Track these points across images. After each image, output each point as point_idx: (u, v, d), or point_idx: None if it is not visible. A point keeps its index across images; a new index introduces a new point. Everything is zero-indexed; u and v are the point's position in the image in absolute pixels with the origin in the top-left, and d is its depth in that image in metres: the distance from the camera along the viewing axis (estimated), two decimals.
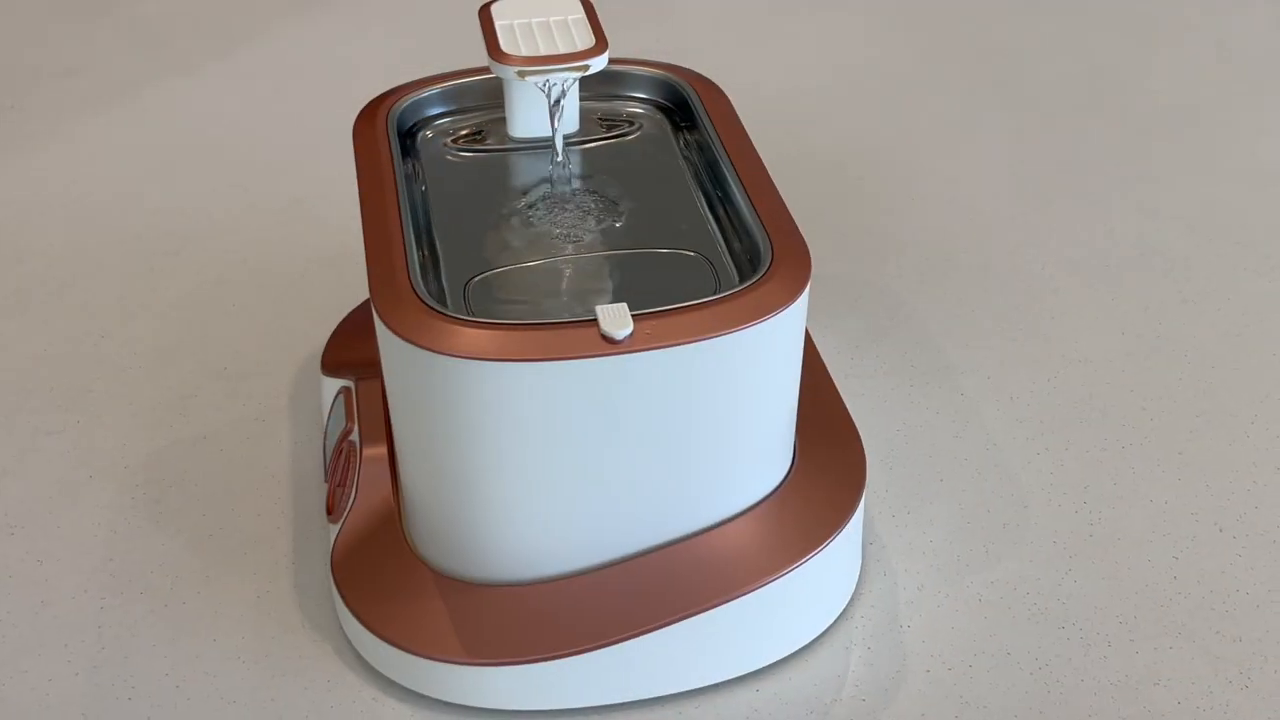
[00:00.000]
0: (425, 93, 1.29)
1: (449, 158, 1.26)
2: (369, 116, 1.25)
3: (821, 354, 1.49)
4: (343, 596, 1.16)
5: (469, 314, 1.06)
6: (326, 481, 1.29)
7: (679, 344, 1.00)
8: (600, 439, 1.03)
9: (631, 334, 0.99)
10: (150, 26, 2.28)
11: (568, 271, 1.13)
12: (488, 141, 1.28)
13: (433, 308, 1.01)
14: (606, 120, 1.31)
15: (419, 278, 1.05)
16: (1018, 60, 2.14)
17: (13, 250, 1.71)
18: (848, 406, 1.41)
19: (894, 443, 1.38)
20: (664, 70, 1.33)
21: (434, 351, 0.99)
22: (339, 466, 1.27)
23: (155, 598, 1.23)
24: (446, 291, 1.09)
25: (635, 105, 1.33)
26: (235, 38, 2.23)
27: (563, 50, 1.15)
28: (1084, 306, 1.58)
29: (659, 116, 1.32)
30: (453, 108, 1.31)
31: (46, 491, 1.34)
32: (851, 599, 1.21)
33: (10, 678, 1.15)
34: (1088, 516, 1.30)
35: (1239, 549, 1.26)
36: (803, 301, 1.05)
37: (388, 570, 1.16)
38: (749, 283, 1.04)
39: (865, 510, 1.30)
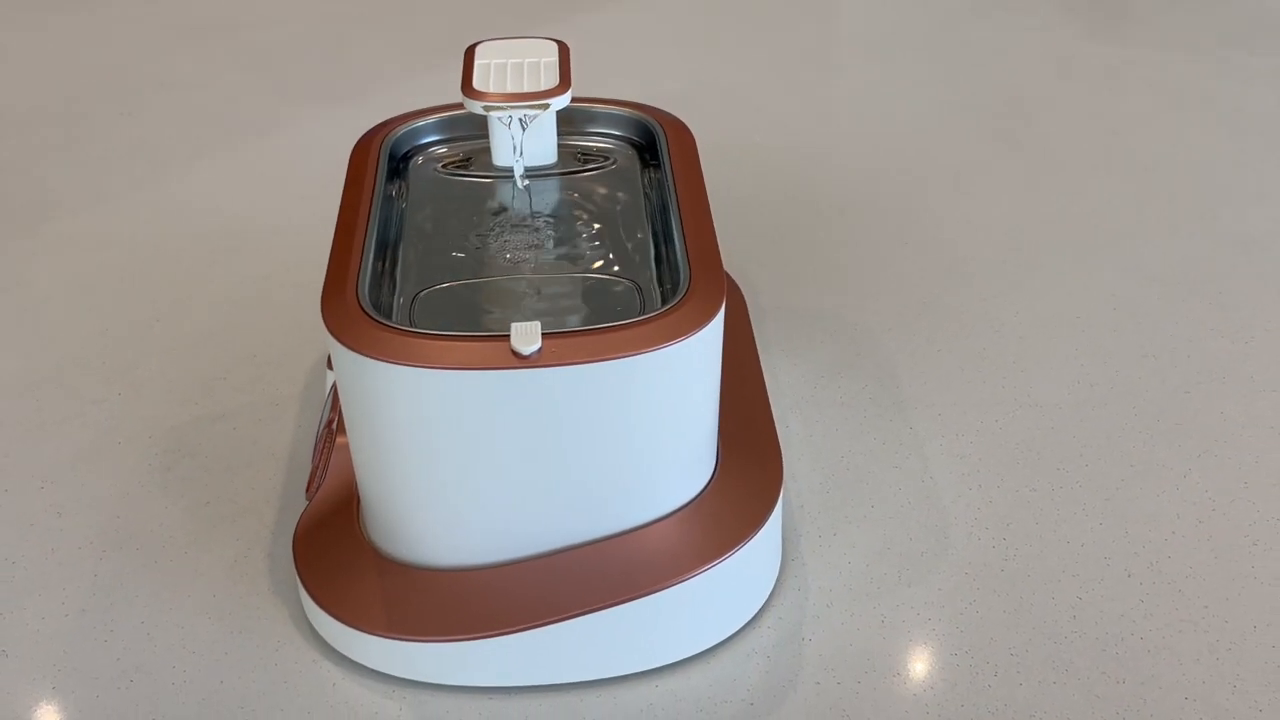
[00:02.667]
0: (421, 122, 1.32)
1: (434, 182, 1.29)
2: (365, 142, 1.28)
3: (789, 382, 1.48)
4: (297, 568, 1.19)
5: (411, 323, 1.09)
6: (311, 463, 1.33)
7: (582, 363, 1.00)
8: (511, 444, 1.04)
9: (539, 350, 1.00)
10: (260, 51, 2.37)
11: (508, 290, 1.15)
12: (472, 168, 1.31)
13: (368, 314, 1.03)
14: (584, 155, 1.33)
15: (366, 287, 1.07)
16: (1036, 116, 2.09)
17: (100, 238, 1.79)
18: (802, 433, 1.41)
19: (836, 469, 1.37)
20: (639, 111, 1.33)
21: (362, 354, 1.01)
22: (320, 450, 1.31)
23: (147, 554, 1.27)
24: (396, 301, 1.12)
25: (613, 142, 1.34)
26: (331, 68, 2.30)
27: (527, 89, 1.17)
28: (1046, 355, 1.53)
29: (632, 153, 1.33)
30: (448, 136, 1.34)
31: (79, 453, 1.40)
32: (762, 609, 1.20)
33: (11, 612, 1.21)
34: (1003, 552, 1.26)
35: (1142, 595, 1.21)
36: (709, 332, 1.05)
37: (338, 547, 1.19)
38: (657, 311, 1.04)
39: (793, 529, 1.29)
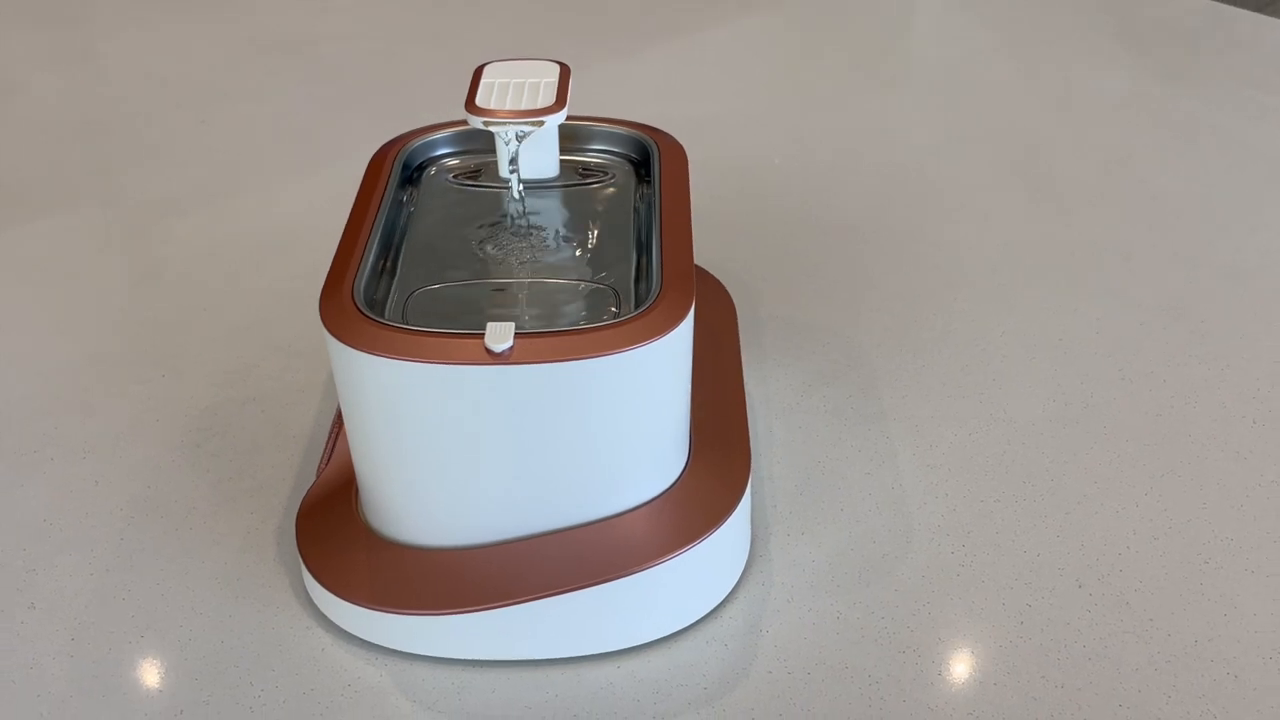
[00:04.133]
0: (437, 135, 1.35)
1: (444, 190, 1.31)
2: (382, 152, 1.31)
3: (777, 389, 1.49)
4: (297, 540, 1.22)
5: (403, 320, 1.11)
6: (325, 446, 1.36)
7: (550, 362, 1.02)
8: (484, 435, 1.06)
9: (511, 349, 1.02)
10: (329, 67, 2.42)
11: (497, 292, 1.16)
12: (481, 179, 1.33)
13: (359, 310, 1.06)
14: (585, 170, 1.34)
15: (362, 284, 1.10)
16: (1044, 147, 2.06)
17: (163, 233, 1.85)
18: (785, 437, 1.41)
19: (811, 473, 1.37)
20: (638, 130, 1.35)
21: (349, 346, 1.04)
22: (332, 435, 1.34)
23: (170, 522, 1.31)
24: (391, 298, 1.14)
25: (614, 158, 1.36)
26: (394, 86, 2.35)
27: (525, 107, 1.19)
28: (1025, 374, 1.52)
29: (629, 169, 1.34)
30: (462, 148, 1.36)
31: (120, 428, 1.45)
32: (726, 600, 1.21)
33: (46, 567, 1.26)
34: (961, 558, 1.25)
35: (1090, 605, 1.20)
36: (674, 338, 1.05)
37: (335, 524, 1.22)
38: (624, 317, 1.05)
39: (764, 526, 1.29)
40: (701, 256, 1.70)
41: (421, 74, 2.39)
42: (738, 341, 1.40)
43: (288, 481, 1.37)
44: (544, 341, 1.03)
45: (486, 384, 1.03)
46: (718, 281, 1.50)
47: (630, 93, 2.27)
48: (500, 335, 1.02)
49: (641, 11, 2.65)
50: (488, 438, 1.06)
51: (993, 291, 1.68)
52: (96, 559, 1.27)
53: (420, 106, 2.25)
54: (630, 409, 1.08)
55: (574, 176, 1.33)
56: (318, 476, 1.29)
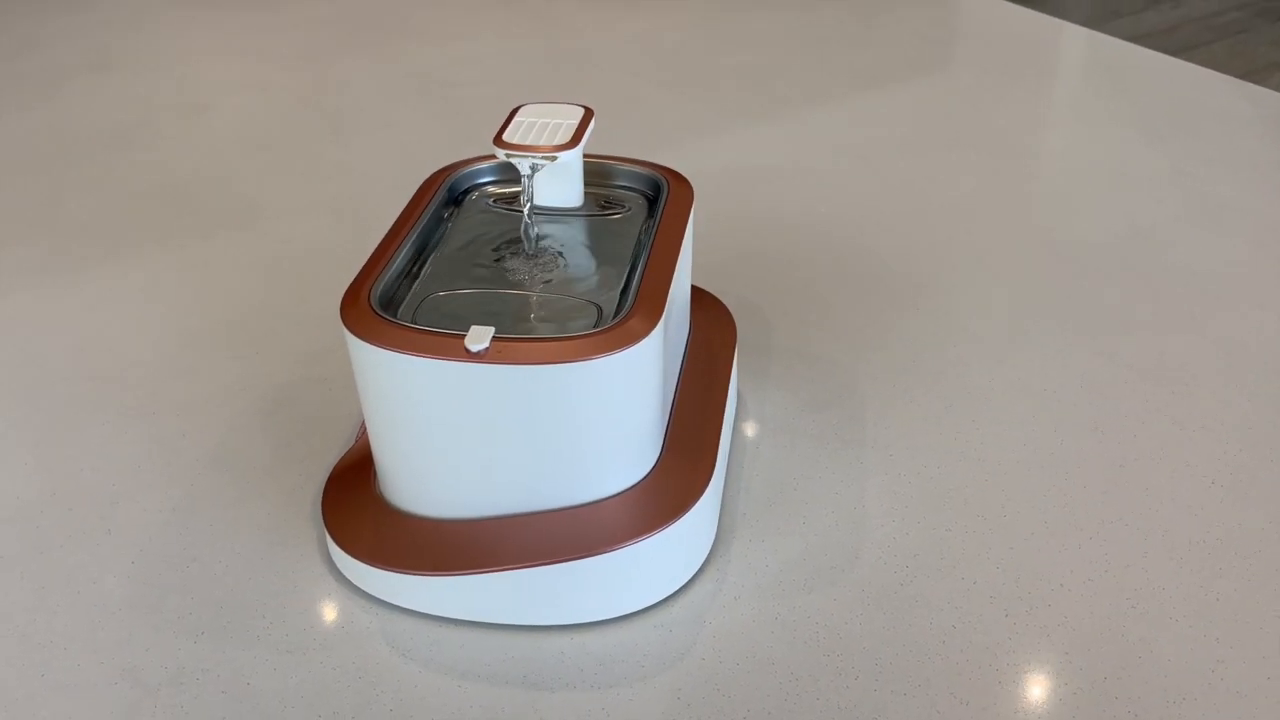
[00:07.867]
0: (482, 165, 1.39)
1: (479, 211, 1.35)
2: (432, 178, 1.36)
3: (773, 411, 1.48)
4: (322, 501, 1.27)
5: (412, 320, 1.15)
6: None
7: (520, 364, 1.05)
8: (463, 423, 1.09)
9: (486, 349, 1.05)
10: (461, 105, 2.51)
11: (498, 303, 1.20)
12: (514, 204, 1.37)
13: (371, 307, 1.11)
14: (607, 201, 1.36)
15: (381, 286, 1.15)
16: (1074, 213, 1.99)
17: (283, 236, 1.95)
18: (769, 455, 1.41)
19: (784, 486, 1.35)
20: (651, 168, 1.36)
21: (355, 336, 1.09)
22: None
23: (232, 475, 1.39)
24: (406, 300, 1.18)
25: (632, 193, 1.38)
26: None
27: (543, 143, 1.22)
28: (1004, 418, 1.47)
29: (643, 202, 1.36)
30: (504, 177, 1.40)
31: (212, 395, 1.54)
32: (678, 592, 1.21)
33: (127, 501, 1.35)
34: (901, 577, 1.22)
35: (1012, 633, 1.15)
36: (633, 353, 1.07)
37: (354, 489, 1.27)
38: (588, 331, 1.07)
39: (731, 531, 1.29)
40: (729, 288, 1.71)
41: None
42: (732, 361, 1.40)
43: (334, 451, 1.43)
44: (518, 346, 1.06)
45: (463, 379, 1.06)
46: (724, 307, 1.50)
47: (711, 145, 2.29)
48: (479, 337, 1.06)
49: (750, 86, 2.66)
50: (465, 425, 1.09)
51: (991, 341, 1.63)
52: (168, 498, 1.35)
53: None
54: (592, 412, 1.10)
55: (594, 207, 1.36)
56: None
